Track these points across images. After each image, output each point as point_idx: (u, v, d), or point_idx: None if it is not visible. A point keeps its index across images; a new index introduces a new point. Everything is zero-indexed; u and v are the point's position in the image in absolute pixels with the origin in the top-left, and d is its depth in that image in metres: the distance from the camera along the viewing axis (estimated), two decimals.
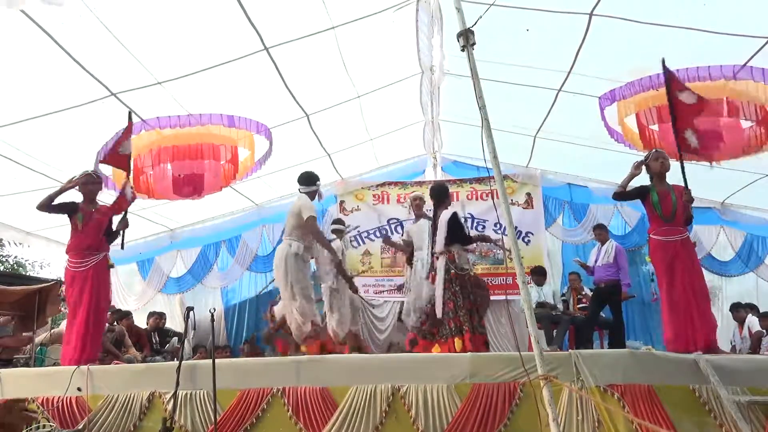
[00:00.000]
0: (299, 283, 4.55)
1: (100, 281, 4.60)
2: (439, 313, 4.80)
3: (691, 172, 4.96)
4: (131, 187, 4.83)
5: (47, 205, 4.57)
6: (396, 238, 8.03)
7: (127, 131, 4.74)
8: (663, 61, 4.27)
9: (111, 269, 4.85)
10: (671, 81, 4.27)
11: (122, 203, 4.81)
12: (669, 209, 4.24)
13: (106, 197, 5.32)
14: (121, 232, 4.83)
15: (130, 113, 4.80)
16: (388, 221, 8.73)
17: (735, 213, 7.84)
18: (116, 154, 4.71)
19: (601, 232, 6.89)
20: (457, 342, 4.66)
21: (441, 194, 5.24)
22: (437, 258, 5.00)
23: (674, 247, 4.19)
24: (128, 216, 4.87)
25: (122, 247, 4.89)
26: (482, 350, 4.57)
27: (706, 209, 7.74)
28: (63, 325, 6.01)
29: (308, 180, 4.89)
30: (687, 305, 4.05)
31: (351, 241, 8.57)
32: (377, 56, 5.87)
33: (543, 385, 2.68)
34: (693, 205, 4.33)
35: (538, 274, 7.23)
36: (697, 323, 4.01)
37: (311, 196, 4.83)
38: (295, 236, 4.66)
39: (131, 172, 4.87)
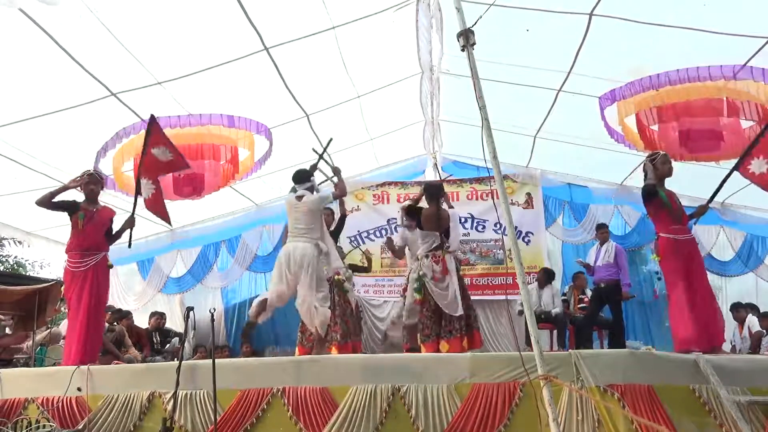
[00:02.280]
0: (323, 287, 4.53)
1: (100, 281, 4.59)
2: (459, 311, 4.88)
3: (691, 172, 4.97)
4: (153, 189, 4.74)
5: (48, 201, 4.57)
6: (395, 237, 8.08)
7: (153, 135, 4.56)
8: None
9: (110, 269, 4.84)
10: None
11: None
12: (677, 209, 4.29)
13: (106, 198, 5.32)
14: (130, 230, 4.80)
15: (152, 116, 4.60)
16: (388, 221, 8.73)
17: (735, 213, 7.84)
18: (156, 160, 4.58)
19: (604, 231, 6.96)
20: (466, 341, 4.79)
21: (440, 191, 5.39)
22: (443, 256, 5.01)
23: (688, 246, 4.23)
24: (127, 215, 4.86)
25: (129, 246, 4.88)
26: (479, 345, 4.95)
27: None
28: (62, 325, 6.02)
29: (305, 177, 4.80)
30: (707, 303, 4.09)
31: (351, 241, 8.58)
32: (377, 56, 5.87)
33: (543, 385, 2.68)
34: (692, 205, 4.37)
35: (545, 274, 7.26)
36: (719, 321, 4.09)
37: (310, 191, 4.76)
38: (312, 236, 4.54)
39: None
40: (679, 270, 4.18)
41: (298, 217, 4.57)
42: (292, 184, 4.84)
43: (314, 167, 5.01)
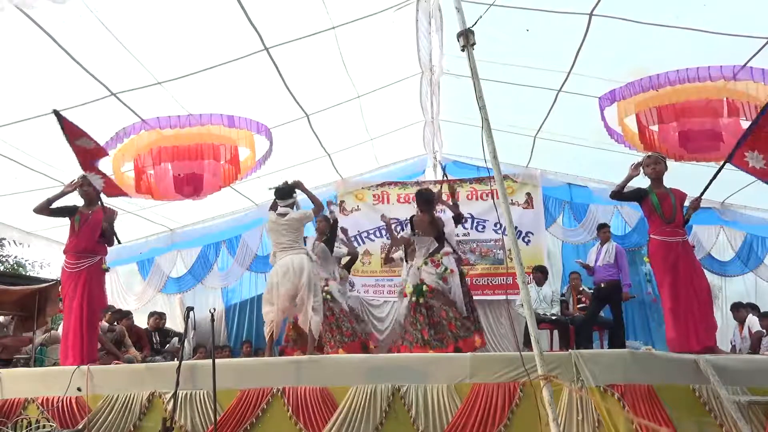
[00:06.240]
0: (317, 294, 4.68)
1: (93, 283, 4.60)
2: (463, 311, 4.94)
3: (690, 172, 4.97)
4: (101, 179, 4.66)
5: (46, 208, 4.58)
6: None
7: (68, 130, 4.44)
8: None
9: (106, 272, 4.84)
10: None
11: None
12: (669, 211, 4.28)
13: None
14: (112, 226, 4.77)
15: (55, 111, 4.44)
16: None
17: (735, 213, 7.84)
18: (84, 150, 4.46)
19: (606, 231, 6.97)
20: (477, 339, 4.85)
21: (431, 199, 5.46)
22: (439, 259, 5.03)
23: (676, 249, 4.22)
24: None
25: (112, 243, 4.87)
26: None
27: (706, 209, 7.71)
28: (61, 327, 6.03)
29: (288, 193, 4.93)
30: (689, 306, 4.06)
31: (351, 241, 8.57)
32: (377, 56, 5.87)
33: (543, 385, 2.68)
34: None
35: (540, 272, 7.27)
36: (700, 324, 4.02)
37: (291, 207, 4.88)
38: (301, 249, 4.76)
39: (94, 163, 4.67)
40: (669, 272, 4.19)
41: (283, 233, 4.72)
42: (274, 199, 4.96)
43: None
